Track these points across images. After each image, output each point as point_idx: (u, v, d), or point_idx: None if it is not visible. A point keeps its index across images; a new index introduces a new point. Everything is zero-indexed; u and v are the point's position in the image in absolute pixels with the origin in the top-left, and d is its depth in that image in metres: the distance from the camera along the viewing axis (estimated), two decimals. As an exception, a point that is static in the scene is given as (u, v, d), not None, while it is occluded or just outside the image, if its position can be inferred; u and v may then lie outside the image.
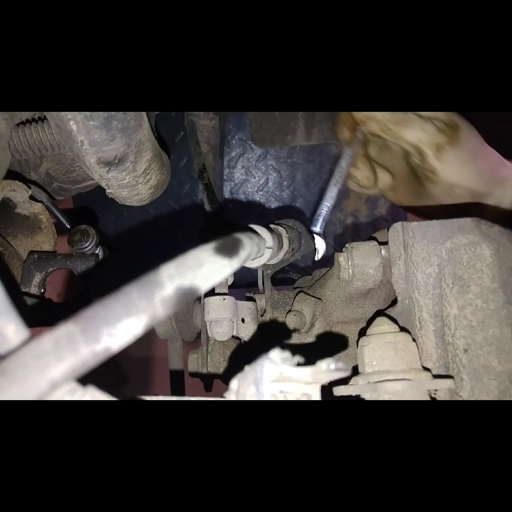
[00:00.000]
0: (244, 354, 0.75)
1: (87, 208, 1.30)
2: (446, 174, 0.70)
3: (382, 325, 0.50)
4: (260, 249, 0.47)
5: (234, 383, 0.34)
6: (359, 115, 0.74)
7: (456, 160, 0.69)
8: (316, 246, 0.81)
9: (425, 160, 0.71)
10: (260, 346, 0.72)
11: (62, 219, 0.84)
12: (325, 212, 0.83)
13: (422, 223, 0.51)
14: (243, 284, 1.18)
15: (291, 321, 0.71)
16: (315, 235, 0.82)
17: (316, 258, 0.83)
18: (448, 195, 0.71)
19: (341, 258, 0.60)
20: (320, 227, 0.83)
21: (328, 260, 1.27)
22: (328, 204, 0.83)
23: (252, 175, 1.35)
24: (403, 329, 0.51)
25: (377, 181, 0.82)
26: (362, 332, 0.54)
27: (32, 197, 0.78)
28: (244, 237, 0.39)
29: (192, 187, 1.31)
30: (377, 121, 0.72)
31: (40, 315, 0.75)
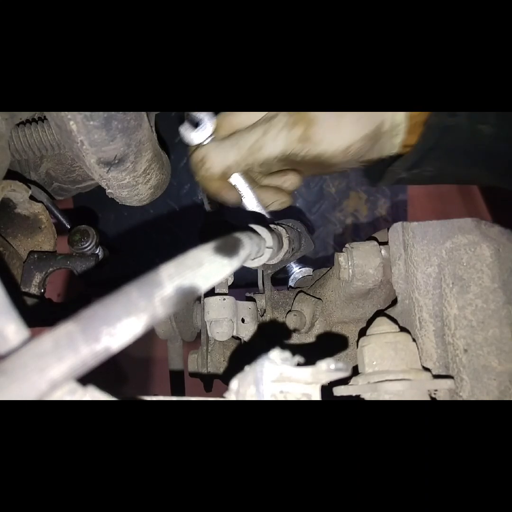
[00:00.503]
0: (244, 354, 0.75)
1: (87, 208, 1.30)
2: (332, 150, 0.64)
3: (382, 325, 0.50)
4: (260, 249, 0.47)
5: (234, 383, 0.34)
6: (214, 176, 0.68)
7: (328, 132, 0.63)
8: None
9: (303, 156, 0.65)
10: (260, 346, 0.72)
11: (62, 219, 0.84)
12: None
13: (422, 223, 0.51)
14: (243, 284, 1.18)
15: (291, 321, 0.71)
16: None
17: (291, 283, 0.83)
18: (349, 156, 0.65)
19: (341, 258, 0.60)
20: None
21: (328, 260, 1.27)
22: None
23: (252, 175, 1.35)
24: (403, 329, 0.51)
25: (289, 190, 0.75)
26: (362, 332, 0.54)
27: (32, 197, 0.78)
28: (244, 237, 0.39)
29: (192, 187, 1.31)
30: (233, 166, 0.67)
31: (40, 315, 0.75)
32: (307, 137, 0.63)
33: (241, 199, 0.74)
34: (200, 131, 0.70)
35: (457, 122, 0.59)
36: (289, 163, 0.68)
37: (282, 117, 0.64)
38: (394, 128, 0.64)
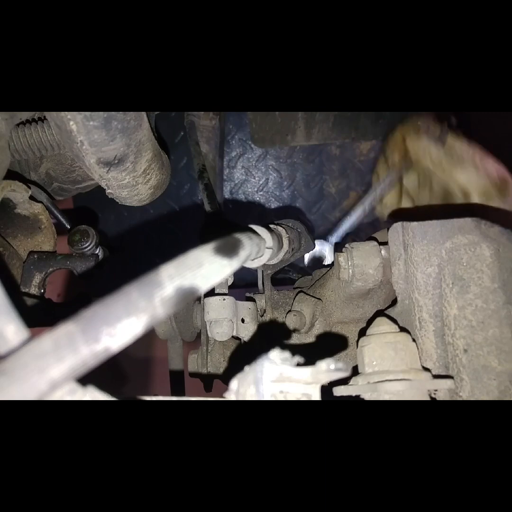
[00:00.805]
0: (244, 354, 0.75)
1: (87, 208, 1.30)
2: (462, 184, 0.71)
3: (382, 325, 0.50)
4: (260, 249, 0.47)
5: (234, 383, 0.34)
6: (414, 146, 0.76)
7: (462, 168, 0.71)
8: (325, 254, 0.83)
9: (468, 201, 0.72)
10: (260, 346, 0.72)
11: (62, 219, 0.84)
12: (346, 226, 0.85)
13: (422, 223, 0.51)
14: (243, 284, 1.18)
15: (291, 321, 0.71)
16: (326, 243, 0.83)
17: (324, 262, 0.85)
18: (469, 198, 0.73)
19: (341, 258, 0.60)
20: (335, 238, 0.85)
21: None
22: (352, 220, 0.85)
23: (252, 175, 1.35)
24: (403, 329, 0.51)
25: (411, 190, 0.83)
26: (362, 332, 0.54)
27: (32, 197, 0.78)
28: (244, 237, 0.39)
29: (192, 187, 1.31)
30: (431, 156, 0.74)
31: (40, 315, 0.75)
32: (489, 201, 0.70)
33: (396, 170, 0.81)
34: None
35: None
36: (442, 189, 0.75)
37: (491, 176, 0.71)
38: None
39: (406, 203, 0.83)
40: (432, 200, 0.79)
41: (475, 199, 0.71)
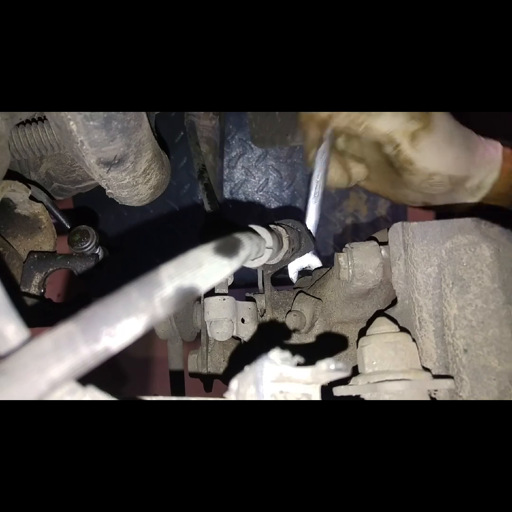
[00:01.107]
0: (244, 354, 0.75)
1: (87, 208, 1.30)
2: (423, 163, 0.67)
3: (382, 325, 0.50)
4: (260, 249, 0.47)
5: (234, 383, 0.34)
6: (322, 114, 0.72)
7: (432, 147, 0.67)
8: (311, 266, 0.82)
9: (400, 151, 0.68)
10: (260, 346, 0.72)
11: (62, 219, 0.84)
12: (313, 217, 0.83)
13: (422, 223, 0.51)
14: (243, 284, 1.18)
15: (291, 321, 0.71)
16: (314, 256, 0.83)
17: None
18: (427, 183, 0.69)
19: (341, 258, 0.60)
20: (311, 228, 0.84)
21: (328, 260, 1.27)
22: (313, 221, 0.83)
23: (252, 175, 1.35)
24: (403, 329, 0.51)
25: (352, 176, 0.80)
26: (362, 332, 0.54)
27: (32, 197, 0.78)
28: (244, 237, 0.39)
29: (192, 187, 1.31)
30: (345, 114, 0.70)
31: (40, 315, 0.75)
32: (415, 137, 0.66)
33: (318, 146, 0.78)
34: None
35: None
36: (375, 155, 0.72)
37: (410, 114, 0.67)
38: (476, 189, 0.68)
39: (349, 164, 0.79)
40: (368, 152, 0.75)
41: (405, 145, 0.67)
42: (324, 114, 0.72)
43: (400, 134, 0.67)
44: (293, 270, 0.85)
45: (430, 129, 0.66)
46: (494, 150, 0.69)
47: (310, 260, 0.83)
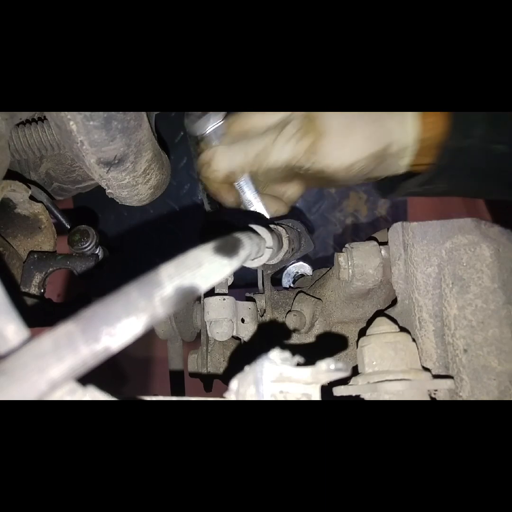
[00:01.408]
0: (244, 354, 0.75)
1: (87, 208, 1.30)
2: (334, 165, 0.64)
3: (382, 325, 0.50)
4: (260, 249, 0.47)
5: (234, 383, 0.34)
6: (218, 177, 0.69)
7: (334, 147, 0.63)
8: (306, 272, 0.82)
9: (307, 169, 0.65)
10: (260, 346, 0.72)
11: (62, 219, 0.84)
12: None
13: (422, 223, 0.51)
14: (243, 284, 1.18)
15: (291, 321, 0.71)
16: (306, 265, 0.82)
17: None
18: (351, 174, 0.65)
19: (341, 258, 0.60)
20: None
21: (328, 260, 1.27)
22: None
23: (252, 175, 1.35)
24: (403, 329, 0.51)
25: (289, 199, 0.76)
26: (362, 332, 0.54)
27: (32, 197, 0.78)
28: (243, 237, 0.39)
29: (192, 187, 1.31)
30: (238, 170, 0.67)
31: (40, 315, 0.75)
32: (314, 150, 0.64)
33: (239, 202, 0.74)
34: (204, 121, 0.71)
35: (472, 143, 0.59)
36: (293, 174, 0.69)
37: (292, 127, 0.64)
38: (402, 150, 0.64)
39: (285, 191, 0.75)
40: (289, 177, 0.71)
41: (308, 164, 0.64)
42: (219, 175, 0.69)
43: (299, 157, 0.64)
44: (286, 280, 0.85)
45: (320, 134, 0.63)
46: (401, 113, 0.65)
47: (303, 268, 0.83)
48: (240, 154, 0.67)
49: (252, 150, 0.66)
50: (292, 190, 0.75)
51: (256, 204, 0.74)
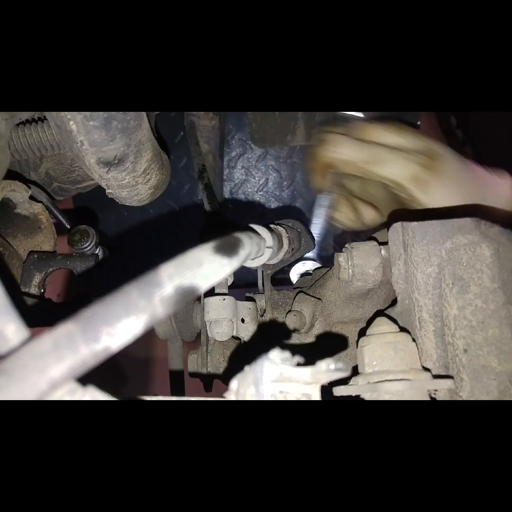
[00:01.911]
0: (244, 354, 0.75)
1: (87, 208, 1.30)
2: (432, 204, 0.66)
3: (382, 325, 0.50)
4: (260, 249, 0.47)
5: (234, 383, 0.34)
6: (327, 159, 0.70)
7: (440, 190, 0.66)
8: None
9: (407, 193, 0.67)
10: (260, 346, 0.72)
11: (62, 219, 0.84)
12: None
13: (422, 223, 0.51)
14: (243, 284, 1.18)
15: (291, 321, 0.71)
16: (309, 261, 0.83)
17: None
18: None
19: (341, 258, 0.60)
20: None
21: (328, 260, 1.27)
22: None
23: (252, 175, 1.35)
24: (403, 329, 0.51)
25: (361, 219, 0.78)
26: (362, 332, 0.54)
27: (32, 197, 0.78)
28: (244, 237, 0.39)
29: (192, 187, 1.31)
30: (348, 163, 0.69)
31: (40, 315, 0.75)
32: (425, 183, 0.65)
33: (320, 191, 0.76)
34: None
35: None
36: (387, 201, 0.71)
37: (416, 155, 0.66)
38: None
39: (360, 207, 0.78)
40: (378, 193, 0.74)
41: (411, 189, 0.65)
42: (327, 159, 0.70)
43: (406, 180, 0.66)
44: (295, 274, 0.85)
45: (437, 173, 0.65)
46: (503, 181, 0.69)
47: (312, 266, 0.83)
48: (362, 150, 0.68)
49: (374, 153, 0.68)
50: (371, 214, 0.77)
51: (325, 201, 0.76)
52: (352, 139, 0.70)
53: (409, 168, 0.66)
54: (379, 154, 0.67)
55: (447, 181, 0.65)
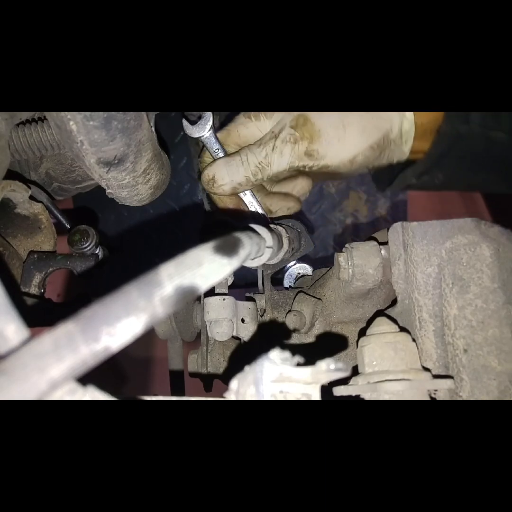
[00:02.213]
0: (244, 354, 0.75)
1: (87, 208, 1.30)
2: (337, 161, 0.65)
3: (382, 325, 0.50)
4: (260, 249, 0.47)
5: (234, 383, 0.34)
6: (225, 188, 0.70)
7: (332, 146, 0.64)
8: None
9: (311, 168, 0.67)
10: (260, 346, 0.72)
11: (62, 219, 0.84)
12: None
13: (422, 223, 0.51)
14: (243, 284, 1.18)
15: (291, 321, 0.71)
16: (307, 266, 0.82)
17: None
18: (355, 166, 0.67)
19: (341, 258, 0.60)
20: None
21: (328, 260, 1.27)
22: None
23: (252, 175, 1.35)
24: (403, 329, 0.51)
25: (300, 192, 0.78)
26: (362, 332, 0.54)
27: (32, 197, 0.78)
28: (244, 237, 0.39)
29: (192, 187, 1.31)
30: (243, 181, 0.69)
31: (40, 315, 0.75)
32: (311, 152, 0.65)
33: (249, 209, 0.76)
34: (201, 125, 0.73)
35: (470, 129, 0.59)
36: (298, 172, 0.70)
37: (287, 132, 0.65)
38: (403, 135, 0.64)
39: (295, 186, 0.77)
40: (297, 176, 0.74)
41: (310, 164, 0.65)
42: (228, 189, 0.70)
43: (298, 161, 0.66)
44: (288, 281, 0.84)
45: (316, 135, 0.64)
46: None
47: (304, 269, 0.83)
48: (242, 167, 0.68)
49: (252, 161, 0.67)
50: (301, 185, 0.76)
51: (258, 207, 0.74)
52: (225, 159, 0.69)
53: (290, 151, 0.65)
54: (257, 157, 0.67)
55: (332, 133, 0.64)
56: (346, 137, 0.64)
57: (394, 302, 0.56)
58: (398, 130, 0.64)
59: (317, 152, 0.64)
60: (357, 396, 0.47)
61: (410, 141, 0.65)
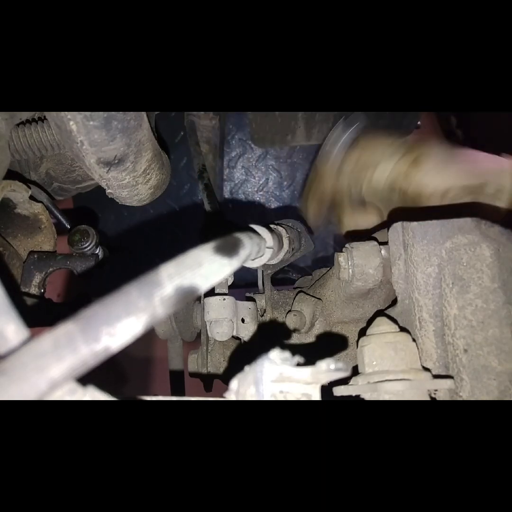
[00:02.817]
0: (244, 354, 0.75)
1: (87, 208, 1.30)
2: (431, 187, 0.70)
3: (382, 325, 0.50)
4: (260, 249, 0.47)
5: (234, 383, 0.34)
6: (324, 190, 0.77)
7: (430, 171, 0.71)
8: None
9: (404, 191, 0.72)
10: (260, 346, 0.72)
11: (62, 219, 0.84)
12: None
13: (422, 223, 0.51)
14: (243, 284, 1.18)
15: (291, 321, 0.71)
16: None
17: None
18: (446, 200, 0.71)
19: (341, 258, 0.60)
20: None
21: (328, 260, 1.27)
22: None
23: (252, 175, 1.35)
24: (403, 329, 0.51)
25: (365, 225, 0.83)
26: (362, 332, 0.54)
27: (32, 197, 0.78)
28: (244, 237, 0.39)
29: (192, 187, 1.31)
30: (341, 185, 0.75)
31: (40, 315, 0.75)
32: (411, 173, 0.71)
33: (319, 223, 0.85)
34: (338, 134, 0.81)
35: None
36: (385, 201, 0.75)
37: (396, 154, 0.73)
38: (499, 192, 0.68)
39: (362, 213, 0.83)
40: (383, 200, 0.79)
41: (403, 184, 0.72)
42: (323, 191, 0.78)
43: (396, 178, 0.72)
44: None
45: (421, 159, 0.71)
46: (496, 158, 0.72)
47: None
48: (345, 175, 0.76)
49: (357, 169, 0.74)
50: (370, 219, 0.82)
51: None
52: (336, 167, 0.76)
53: (393, 166, 0.72)
54: (368, 162, 0.73)
55: (434, 162, 0.70)
56: (443, 173, 0.70)
57: (394, 302, 0.56)
58: (495, 187, 0.69)
59: (417, 173, 0.71)
60: (357, 396, 0.47)
61: (505, 199, 0.70)
